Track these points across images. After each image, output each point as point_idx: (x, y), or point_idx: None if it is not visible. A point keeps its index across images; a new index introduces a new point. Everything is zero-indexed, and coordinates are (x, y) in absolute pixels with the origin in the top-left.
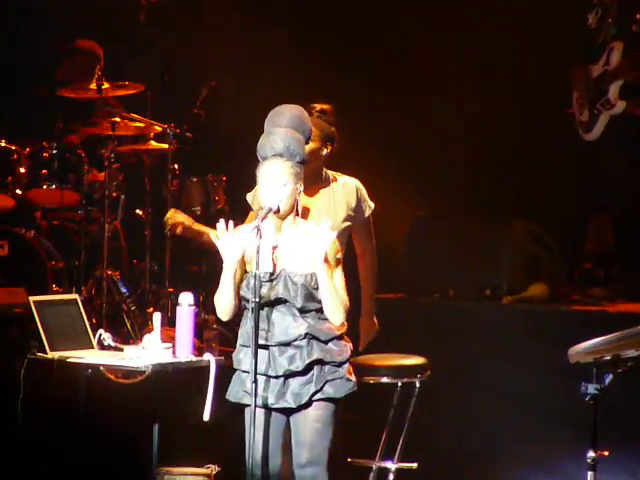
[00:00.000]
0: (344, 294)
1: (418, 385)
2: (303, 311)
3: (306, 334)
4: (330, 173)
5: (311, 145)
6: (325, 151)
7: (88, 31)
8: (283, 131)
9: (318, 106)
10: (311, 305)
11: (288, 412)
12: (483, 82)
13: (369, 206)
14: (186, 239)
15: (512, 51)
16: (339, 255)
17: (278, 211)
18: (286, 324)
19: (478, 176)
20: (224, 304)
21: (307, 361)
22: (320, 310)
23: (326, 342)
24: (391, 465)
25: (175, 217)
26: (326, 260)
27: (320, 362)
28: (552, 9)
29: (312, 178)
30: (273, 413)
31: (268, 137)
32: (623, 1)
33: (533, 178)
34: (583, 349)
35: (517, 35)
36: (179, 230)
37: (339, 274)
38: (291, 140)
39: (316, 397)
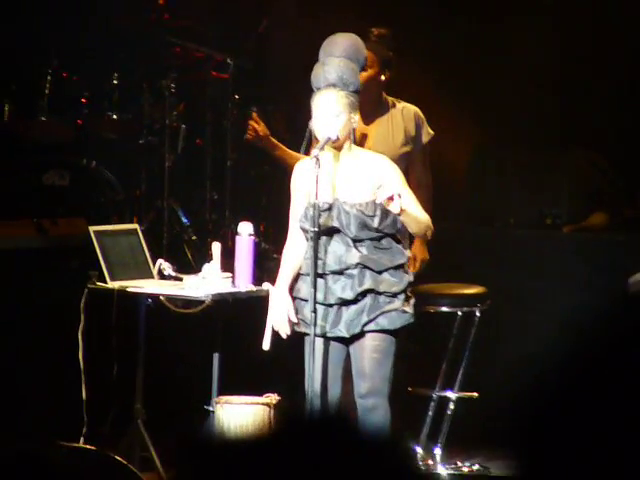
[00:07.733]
0: (420, 209)
1: (478, 314)
2: (357, 240)
3: (357, 264)
4: (390, 99)
5: (369, 72)
6: (383, 77)
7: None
8: (336, 61)
9: (376, 30)
10: (365, 234)
11: (347, 342)
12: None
13: (427, 132)
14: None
15: None
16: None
17: (337, 140)
18: (340, 253)
19: (540, 104)
20: None
21: (358, 290)
22: (376, 239)
23: (380, 272)
24: (451, 394)
25: (258, 123)
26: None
27: (373, 292)
28: None
29: (371, 105)
30: (332, 342)
31: (322, 67)
32: None
33: (594, 105)
34: None
35: None
36: (261, 130)
37: (410, 193)
38: (344, 70)
39: (369, 328)
